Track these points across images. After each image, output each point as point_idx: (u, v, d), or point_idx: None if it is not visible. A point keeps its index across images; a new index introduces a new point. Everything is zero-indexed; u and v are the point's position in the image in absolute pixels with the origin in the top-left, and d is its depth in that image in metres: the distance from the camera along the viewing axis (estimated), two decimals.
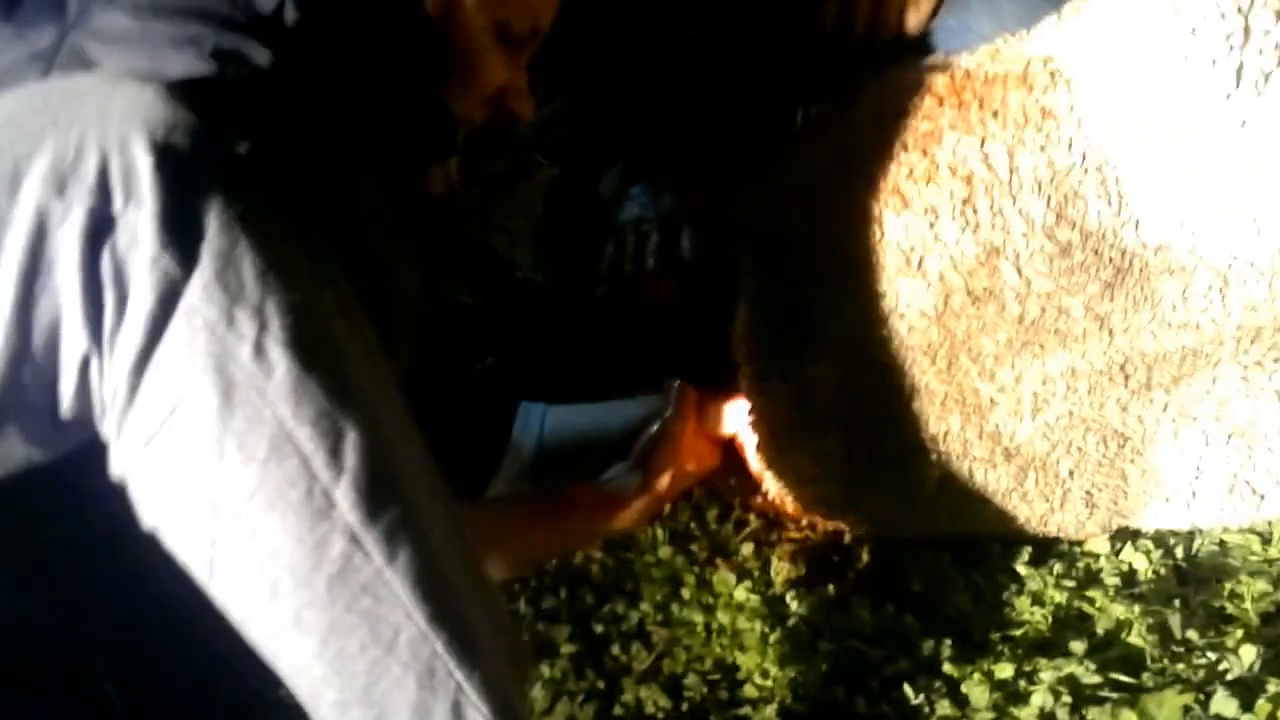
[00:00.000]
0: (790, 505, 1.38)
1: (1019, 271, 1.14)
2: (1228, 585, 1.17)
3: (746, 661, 1.25)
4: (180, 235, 0.71)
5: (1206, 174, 1.08)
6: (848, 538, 1.40)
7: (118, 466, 0.75)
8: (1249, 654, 1.06)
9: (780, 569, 1.36)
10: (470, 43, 1.11)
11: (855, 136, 1.28)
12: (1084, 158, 1.13)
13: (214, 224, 0.72)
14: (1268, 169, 1.05)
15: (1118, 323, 1.13)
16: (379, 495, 0.75)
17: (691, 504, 1.49)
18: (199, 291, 0.72)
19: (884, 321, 1.20)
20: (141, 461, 0.74)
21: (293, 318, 0.74)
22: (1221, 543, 1.23)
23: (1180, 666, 1.08)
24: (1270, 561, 1.19)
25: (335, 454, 0.74)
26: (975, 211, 1.15)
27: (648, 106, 1.71)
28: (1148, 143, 1.11)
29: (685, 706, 1.22)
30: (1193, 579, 1.21)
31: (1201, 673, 1.07)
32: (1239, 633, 1.10)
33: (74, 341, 0.72)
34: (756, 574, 1.36)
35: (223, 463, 0.73)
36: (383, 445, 0.77)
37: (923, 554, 1.34)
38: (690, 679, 1.25)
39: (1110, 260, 1.12)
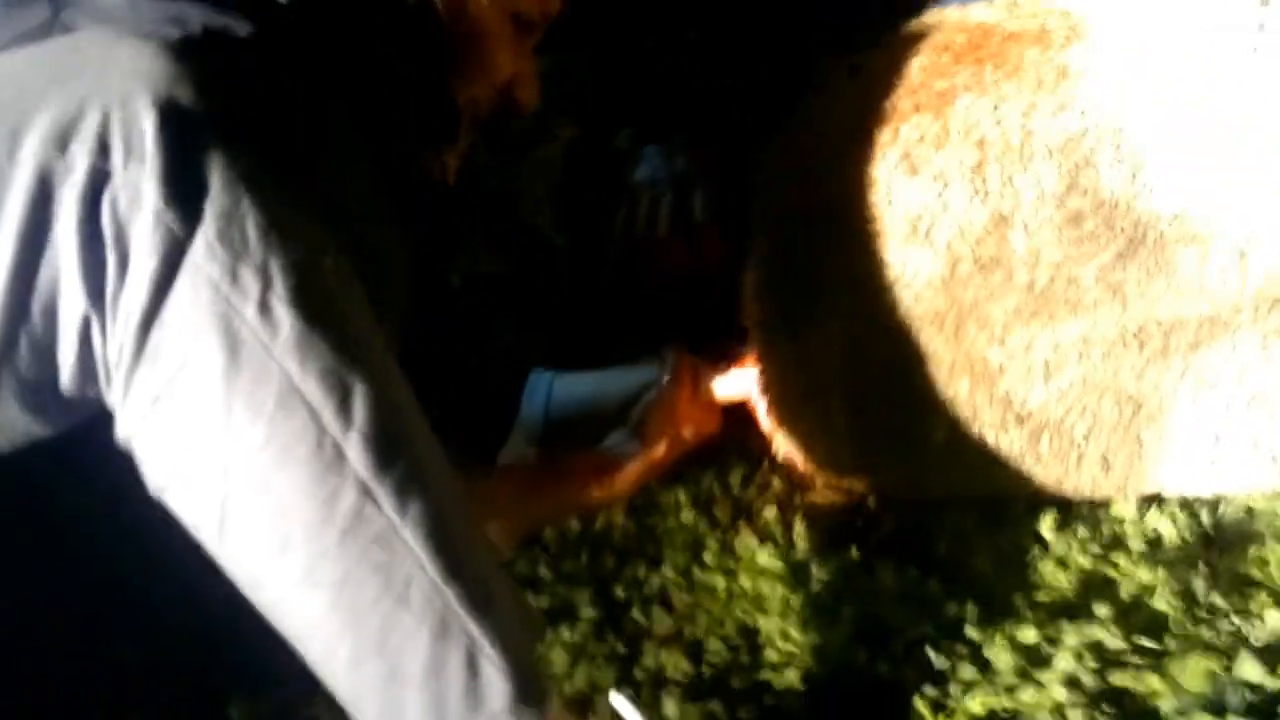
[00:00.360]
0: (800, 466, 1.37)
1: (1028, 240, 1.13)
2: (1254, 550, 1.16)
3: (768, 625, 1.24)
4: (183, 193, 0.71)
5: (1224, 140, 1.07)
6: (871, 502, 1.40)
7: (124, 430, 0.75)
8: (1274, 619, 1.05)
9: (803, 533, 1.36)
10: (483, 30, 1.10)
11: (869, 97, 1.27)
12: (1098, 123, 1.11)
13: (217, 182, 0.72)
14: None
15: (1132, 291, 1.12)
16: (389, 449, 0.75)
17: (715, 468, 1.48)
18: (202, 250, 0.71)
19: (890, 288, 1.20)
20: (148, 423, 0.74)
21: (296, 275, 0.74)
22: (1248, 508, 1.22)
23: (1205, 631, 1.07)
24: None
25: (344, 407, 0.74)
26: (985, 179, 1.14)
27: (660, 64, 1.69)
28: (1163, 106, 1.09)
29: (706, 670, 1.22)
30: (1219, 544, 1.20)
31: (1227, 638, 1.06)
32: (1265, 598, 1.08)
33: (73, 304, 0.71)
34: (779, 538, 1.35)
35: (231, 420, 0.72)
36: (390, 401, 0.77)
37: (947, 517, 1.33)
38: (712, 643, 1.25)
39: (1123, 230, 1.11)
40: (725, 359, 1.41)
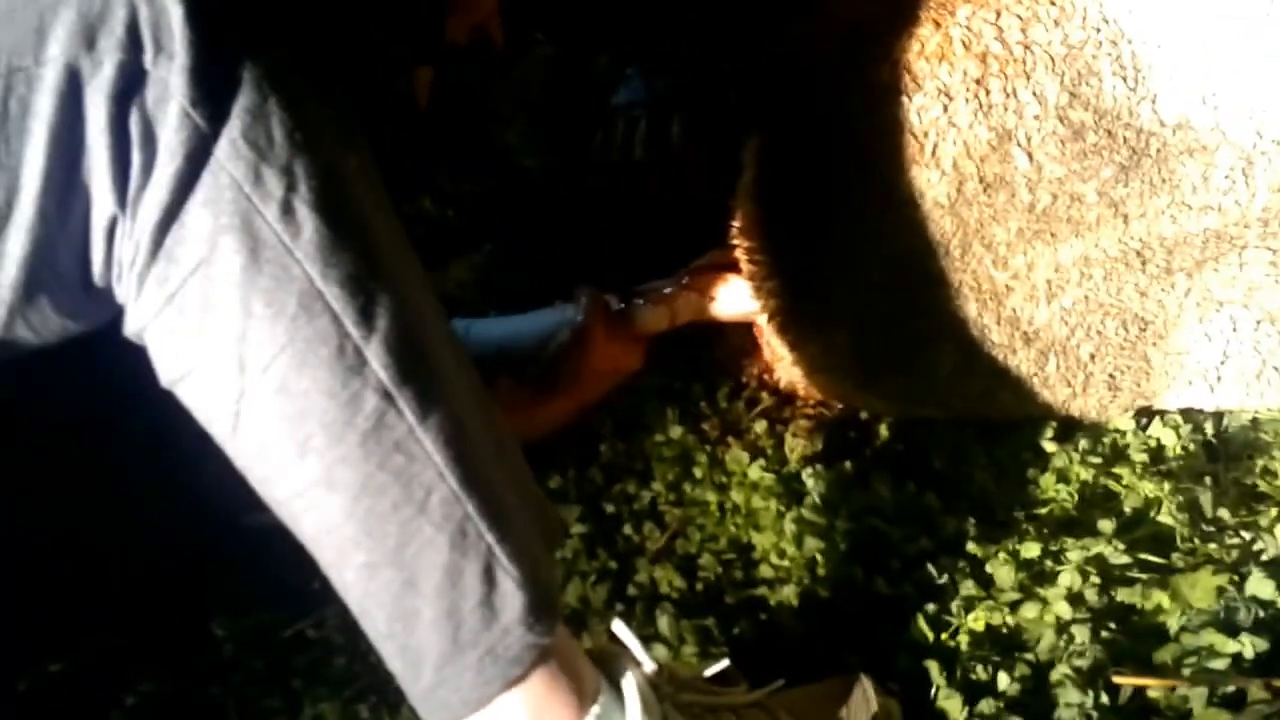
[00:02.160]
0: (803, 392, 1.35)
1: (1030, 157, 1.11)
2: (1260, 462, 1.14)
3: (762, 541, 1.22)
4: (210, 90, 0.69)
5: (1232, 43, 1.03)
6: (864, 414, 1.37)
7: (135, 323, 0.73)
8: None
9: (795, 446, 1.33)
10: None
11: (869, 10, 1.22)
12: (1099, 30, 1.08)
13: (245, 79, 0.70)
14: None
15: (1133, 208, 1.10)
16: (411, 357, 0.74)
17: (702, 382, 1.46)
18: (227, 148, 0.69)
19: (896, 210, 1.17)
20: (162, 317, 0.72)
21: (320, 179, 0.72)
22: (1254, 419, 1.20)
23: (1212, 546, 1.06)
24: None
25: (366, 314, 0.72)
26: (988, 92, 1.10)
27: None
28: (1165, 10, 1.05)
29: (700, 587, 1.20)
30: (1223, 455, 1.18)
31: (1235, 553, 1.04)
32: (1274, 511, 1.07)
33: (103, 207, 0.69)
34: (770, 452, 1.33)
35: (250, 319, 0.71)
36: (412, 310, 0.75)
37: (943, 430, 1.31)
38: (705, 559, 1.23)
39: (1125, 141, 1.08)
40: (641, 294, 1.42)
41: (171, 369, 0.74)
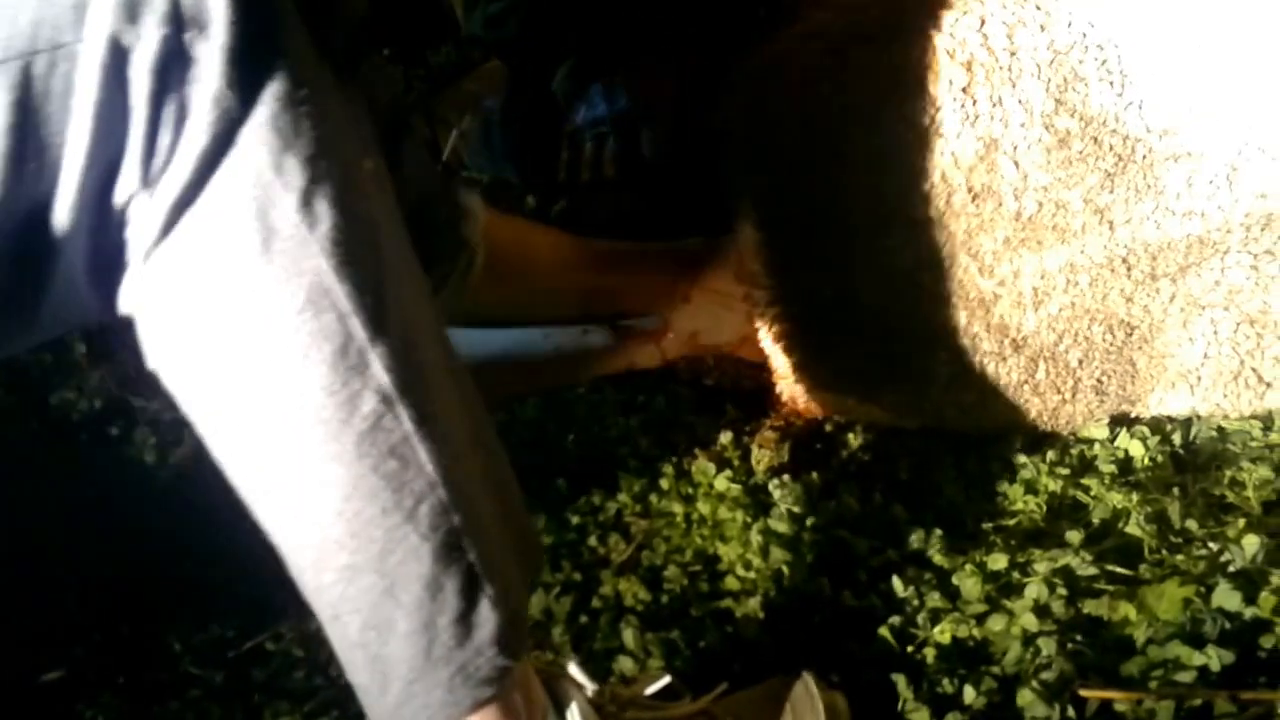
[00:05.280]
0: (802, 404, 1.34)
1: (1017, 165, 1.10)
2: (1228, 473, 1.13)
3: (728, 552, 1.21)
4: (245, 74, 0.67)
5: (1217, 49, 1.02)
6: (829, 426, 1.36)
7: (129, 301, 0.72)
8: (1252, 544, 1.01)
9: (761, 457, 1.32)
10: None
11: (852, 18, 1.22)
12: (1084, 35, 1.07)
13: (279, 67, 0.69)
14: None
15: (1118, 214, 1.09)
16: (412, 365, 0.74)
17: (664, 394, 1.45)
18: (253, 134, 0.68)
19: (888, 226, 1.17)
20: (160, 299, 0.71)
21: (341, 175, 0.71)
22: (1220, 429, 1.19)
23: (1180, 557, 1.05)
24: (1272, 447, 1.15)
25: (374, 317, 0.71)
26: (975, 101, 1.10)
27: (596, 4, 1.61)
28: (1151, 15, 1.04)
29: (665, 599, 1.19)
30: (1191, 466, 1.17)
31: (1202, 564, 1.03)
32: (1241, 522, 1.05)
33: (129, 181, 0.68)
34: (737, 463, 1.32)
35: (255, 307, 0.70)
36: (416, 320, 0.75)
37: (911, 440, 1.30)
38: (670, 570, 1.22)
39: (1111, 148, 1.08)
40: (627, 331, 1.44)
41: (162, 350, 0.73)
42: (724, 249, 1.38)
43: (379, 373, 0.72)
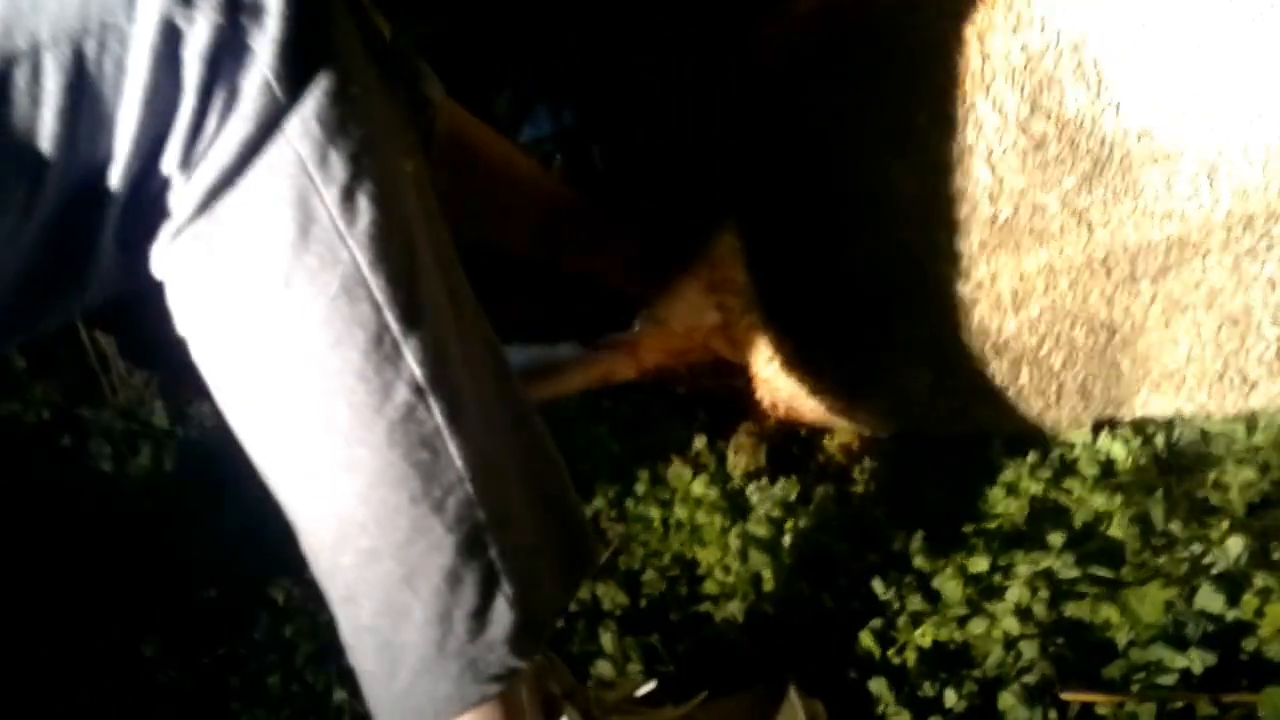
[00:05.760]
0: (783, 412, 1.33)
1: (992, 171, 1.09)
2: (1211, 474, 1.12)
3: (706, 556, 1.20)
4: (295, 66, 0.67)
5: (1192, 49, 1.01)
6: (804, 431, 1.35)
7: (161, 267, 0.71)
8: (1235, 546, 1.01)
9: (738, 461, 1.31)
10: None
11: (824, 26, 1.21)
12: (1059, 37, 1.06)
13: (329, 62, 0.69)
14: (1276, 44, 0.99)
15: (1097, 217, 1.08)
16: (446, 359, 0.74)
17: (637, 398, 1.44)
18: (299, 125, 0.68)
19: (864, 234, 1.17)
20: (194, 270, 0.71)
21: (384, 173, 0.71)
22: (1203, 431, 1.18)
23: (1162, 560, 1.04)
24: (1255, 449, 1.14)
25: (408, 311, 0.72)
26: (950, 106, 1.09)
27: (537, 19, 1.60)
28: (1125, 15, 1.03)
29: (644, 603, 1.18)
30: (1174, 469, 1.16)
31: (1185, 566, 1.02)
32: (1224, 524, 1.04)
33: (170, 161, 0.67)
34: (712, 467, 1.31)
35: (290, 291, 0.70)
36: (453, 317, 0.76)
37: (890, 442, 1.29)
38: (648, 575, 1.21)
39: (1088, 151, 1.07)
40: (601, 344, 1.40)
41: (190, 320, 0.73)
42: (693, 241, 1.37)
43: (412, 365, 0.72)
